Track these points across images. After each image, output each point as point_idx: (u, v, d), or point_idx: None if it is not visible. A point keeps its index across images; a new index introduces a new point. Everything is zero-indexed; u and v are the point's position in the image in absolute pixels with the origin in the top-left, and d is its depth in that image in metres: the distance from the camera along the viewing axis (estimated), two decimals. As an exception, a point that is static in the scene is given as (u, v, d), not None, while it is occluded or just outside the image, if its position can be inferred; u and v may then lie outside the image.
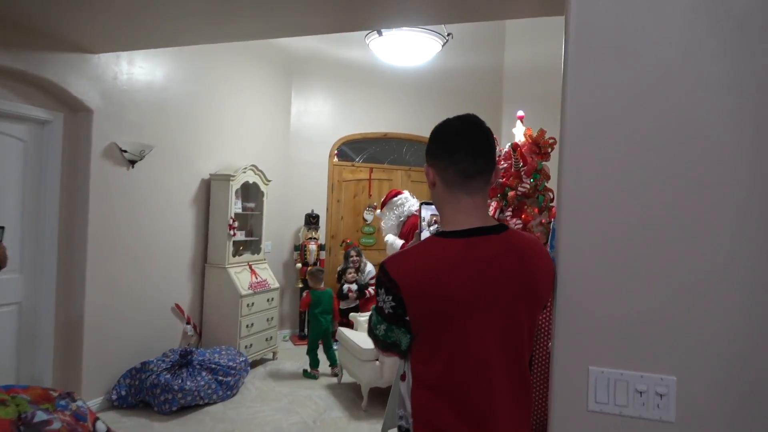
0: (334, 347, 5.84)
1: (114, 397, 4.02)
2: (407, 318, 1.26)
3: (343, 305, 5.94)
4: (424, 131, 7.02)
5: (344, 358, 4.62)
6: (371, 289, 5.84)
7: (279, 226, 6.18)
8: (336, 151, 6.71)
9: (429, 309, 1.25)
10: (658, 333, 1.29)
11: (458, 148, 1.34)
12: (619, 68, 1.32)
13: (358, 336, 4.53)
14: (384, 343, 1.35)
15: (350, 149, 6.89)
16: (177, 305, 4.72)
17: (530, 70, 7.24)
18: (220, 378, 4.30)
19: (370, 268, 6.12)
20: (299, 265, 6.19)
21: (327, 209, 6.61)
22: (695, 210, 1.26)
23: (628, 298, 1.32)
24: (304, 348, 5.91)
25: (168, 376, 4.04)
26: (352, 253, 6.08)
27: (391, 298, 1.26)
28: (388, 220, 5.25)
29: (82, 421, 2.77)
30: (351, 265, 6.03)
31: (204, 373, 4.22)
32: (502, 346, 1.29)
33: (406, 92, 6.90)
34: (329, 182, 6.65)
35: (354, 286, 5.89)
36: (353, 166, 6.80)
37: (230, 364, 4.40)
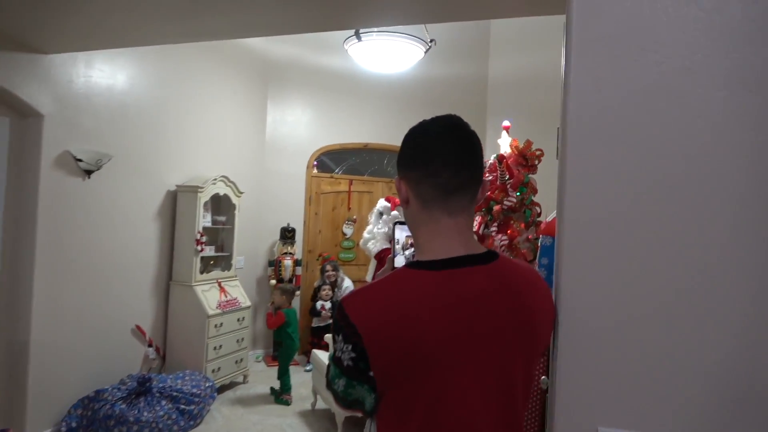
0: (308, 368, 5.59)
1: (63, 429, 3.65)
2: (371, 373, 0.97)
3: (315, 322, 5.70)
4: (406, 142, 6.83)
5: (319, 383, 4.31)
6: None
7: (252, 240, 5.86)
8: (315, 162, 6.43)
9: (398, 362, 0.96)
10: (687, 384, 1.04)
11: (436, 155, 1.08)
12: (622, 62, 1.11)
13: (333, 359, 4.22)
14: (344, 401, 1.06)
15: (329, 160, 6.61)
16: (138, 326, 4.38)
17: (515, 81, 7.06)
18: (182, 407, 3.95)
19: (348, 284, 5.84)
20: (273, 281, 5.87)
21: (304, 222, 6.31)
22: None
23: (649, 337, 1.06)
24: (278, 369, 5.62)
25: (123, 406, 3.69)
26: (328, 267, 5.82)
27: (350, 347, 0.98)
28: (379, 234, 5.11)
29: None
30: (326, 280, 5.76)
31: (164, 402, 3.87)
32: (491, 407, 1.01)
33: (387, 102, 6.66)
34: (307, 194, 6.36)
35: (328, 304, 5.62)
36: (332, 177, 6.53)
37: (194, 390, 4.06)
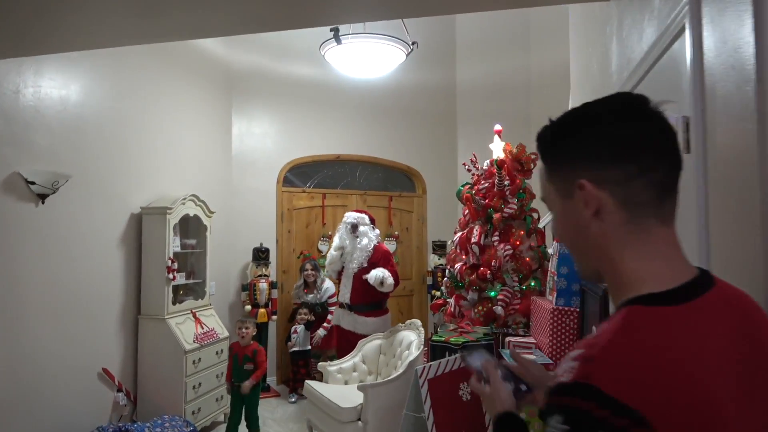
0: (292, 399, 5.13)
1: (24, 500, 3.10)
2: None
3: (292, 346, 5.30)
4: (378, 152, 6.45)
5: (316, 419, 3.90)
6: (332, 317, 5.24)
7: (223, 263, 5.39)
8: (284, 176, 6.03)
9: None
10: None
11: (647, 144, 0.78)
12: None
13: (332, 390, 3.84)
14: None
15: (300, 174, 6.22)
16: (105, 370, 3.84)
17: (482, 88, 6.94)
18: (165, 459, 3.47)
19: (328, 285, 5.46)
20: (248, 306, 5.41)
21: (277, 241, 5.88)
22: None
23: None
24: (261, 401, 5.13)
25: (97, 465, 3.18)
26: (308, 266, 5.47)
27: None
28: (359, 249, 4.75)
29: None
30: (305, 280, 5.43)
31: (144, 456, 3.38)
32: None
33: (357, 111, 6.36)
34: (278, 211, 5.94)
35: (300, 327, 5.23)
36: (304, 192, 6.14)
37: (176, 439, 3.58)
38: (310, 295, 5.42)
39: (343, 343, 4.86)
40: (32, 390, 3.24)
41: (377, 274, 4.65)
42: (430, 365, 2.80)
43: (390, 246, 6.53)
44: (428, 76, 6.75)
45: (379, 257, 4.84)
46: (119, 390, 3.93)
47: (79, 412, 3.59)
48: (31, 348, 3.24)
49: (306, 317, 5.24)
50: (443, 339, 3.29)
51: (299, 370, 5.27)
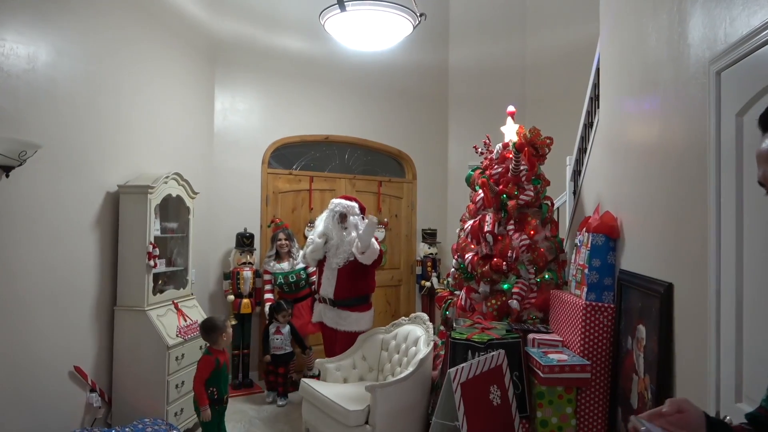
0: (281, 402, 4.71)
1: None
2: None
3: (273, 349, 4.75)
4: (368, 134, 6.09)
5: (315, 420, 3.57)
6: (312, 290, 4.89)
7: (204, 249, 4.96)
8: (270, 157, 5.62)
9: None
10: None
11: None
12: None
13: (333, 390, 3.51)
14: None
15: (286, 155, 5.81)
16: (77, 368, 3.40)
17: (475, 71, 6.66)
18: (148, 468, 3.09)
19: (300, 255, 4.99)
20: (231, 296, 5.01)
21: (261, 227, 5.48)
22: None
23: None
24: (244, 398, 4.79)
25: (72, 480, 2.77)
26: (281, 236, 5.04)
27: None
28: (346, 243, 4.29)
29: None
30: (278, 250, 4.99)
31: (125, 466, 2.99)
32: None
33: (348, 91, 5.99)
34: (263, 194, 5.53)
35: (286, 329, 4.75)
36: (291, 174, 5.74)
37: (160, 445, 3.19)
38: (284, 264, 4.99)
39: (327, 341, 4.45)
40: (-6, 393, 2.80)
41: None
42: (462, 367, 2.51)
43: (379, 234, 6.21)
44: (420, 56, 6.42)
45: None
46: (92, 390, 3.50)
47: (49, 416, 3.15)
48: (-8, 345, 2.79)
49: (289, 317, 4.78)
50: (465, 336, 3.01)
51: (278, 378, 4.76)
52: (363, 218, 4.34)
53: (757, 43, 1.53)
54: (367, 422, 3.23)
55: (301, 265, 5.03)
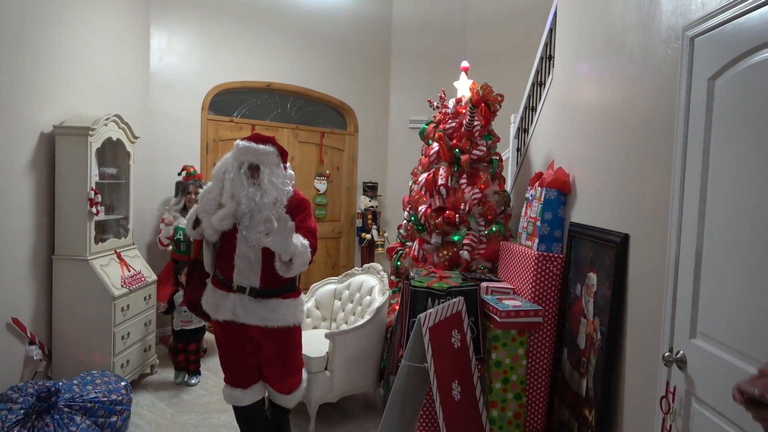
0: (193, 381, 4.05)
1: (-75, 480, 2.52)
2: None
3: (178, 323, 4.00)
4: (311, 84, 6.00)
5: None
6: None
7: (141, 197, 4.72)
8: (210, 102, 5.37)
9: None
10: None
11: None
12: None
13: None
14: None
15: (226, 102, 5.57)
16: (14, 320, 3.20)
17: (418, 25, 6.64)
18: (101, 419, 3.01)
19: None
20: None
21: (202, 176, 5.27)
22: None
23: None
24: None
25: (23, 433, 2.65)
26: (191, 188, 4.57)
27: None
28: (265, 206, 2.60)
29: None
30: (186, 205, 4.54)
31: (78, 419, 2.89)
32: None
33: (291, 37, 5.80)
34: (203, 141, 5.31)
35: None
36: (231, 121, 5.53)
37: (112, 397, 3.11)
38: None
39: (242, 346, 2.75)
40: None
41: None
42: (429, 313, 2.63)
43: (320, 186, 6.21)
44: (365, 7, 6.33)
45: (293, 209, 2.73)
46: (32, 343, 3.32)
47: (-14, 370, 2.97)
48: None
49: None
50: (425, 285, 3.12)
51: (189, 356, 4.03)
52: (284, 166, 2.76)
53: (736, 13, 1.66)
54: (326, 368, 3.31)
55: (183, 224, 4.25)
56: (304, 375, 2.92)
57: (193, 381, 4.03)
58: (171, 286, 4.15)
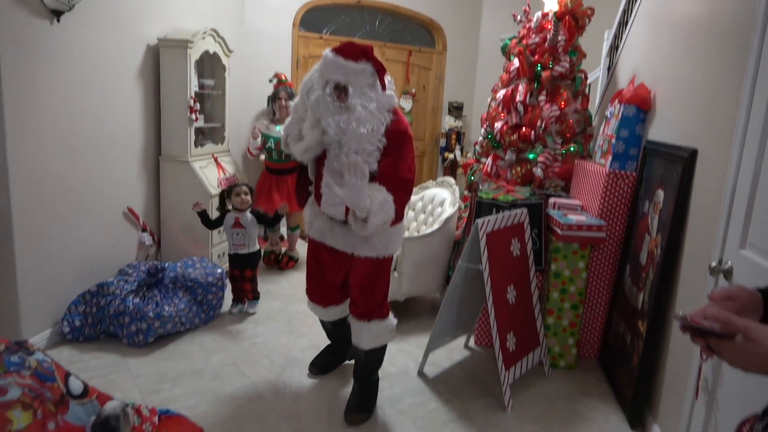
0: (234, 309, 3.80)
1: (66, 329, 3.10)
2: None
3: (233, 247, 3.71)
4: (401, 1, 5.96)
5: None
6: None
7: (235, 110, 5.08)
8: (301, 19, 5.53)
9: None
10: None
11: None
12: None
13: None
14: None
15: (316, 19, 5.71)
16: (130, 209, 3.72)
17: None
18: (200, 298, 3.49)
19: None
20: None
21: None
22: None
23: None
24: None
25: (137, 300, 3.17)
26: (282, 94, 4.56)
27: None
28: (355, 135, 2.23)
29: (48, 381, 1.90)
30: (275, 112, 4.61)
31: (181, 294, 3.38)
32: None
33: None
34: (293, 57, 5.54)
35: (248, 216, 3.61)
36: (321, 38, 5.69)
37: (209, 279, 3.57)
38: (281, 128, 4.21)
39: (329, 271, 2.64)
40: (62, 225, 3.10)
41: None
42: (488, 219, 2.74)
43: (405, 105, 6.28)
44: None
45: (392, 145, 2.29)
46: (144, 230, 3.84)
47: (108, 249, 3.51)
48: (55, 182, 3.03)
49: (249, 200, 3.64)
50: (491, 197, 3.21)
51: (244, 285, 3.75)
52: (382, 85, 2.36)
53: None
54: (395, 269, 3.56)
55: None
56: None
57: (251, 310, 3.76)
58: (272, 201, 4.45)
